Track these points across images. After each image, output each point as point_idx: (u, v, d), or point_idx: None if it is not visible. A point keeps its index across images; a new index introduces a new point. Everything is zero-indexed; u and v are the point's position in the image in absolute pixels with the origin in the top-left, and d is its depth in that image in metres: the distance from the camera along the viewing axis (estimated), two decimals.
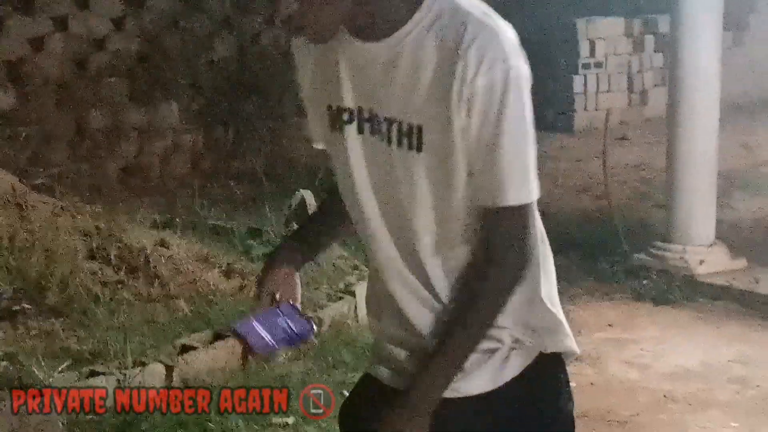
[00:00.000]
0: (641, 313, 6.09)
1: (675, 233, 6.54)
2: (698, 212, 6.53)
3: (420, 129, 1.81)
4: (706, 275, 6.36)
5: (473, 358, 1.87)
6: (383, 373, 2.02)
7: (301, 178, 8.07)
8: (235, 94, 9.94)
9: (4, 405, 3.85)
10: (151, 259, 5.53)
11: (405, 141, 1.83)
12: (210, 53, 10.14)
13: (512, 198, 1.81)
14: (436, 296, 1.91)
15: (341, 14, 1.82)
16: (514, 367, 1.91)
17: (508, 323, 1.89)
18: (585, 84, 12.12)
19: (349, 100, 1.90)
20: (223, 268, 5.75)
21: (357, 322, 5.26)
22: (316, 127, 2.04)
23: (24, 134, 8.21)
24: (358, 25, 1.85)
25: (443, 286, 1.90)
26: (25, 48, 8.96)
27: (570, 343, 1.98)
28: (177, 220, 6.76)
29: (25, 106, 8.82)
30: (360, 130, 1.89)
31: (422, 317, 1.92)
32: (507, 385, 1.90)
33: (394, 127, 1.84)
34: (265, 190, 8.28)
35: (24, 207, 5.82)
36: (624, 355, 5.44)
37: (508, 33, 1.79)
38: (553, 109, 11.39)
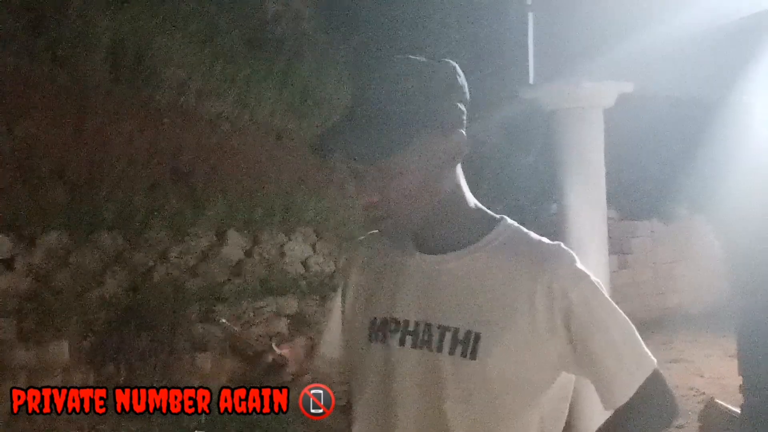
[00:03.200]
0: None
1: None
2: None
3: (478, 337, 1.87)
4: None
5: None
6: None
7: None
8: (128, 329, 9.80)
9: None
10: None
11: (459, 348, 1.88)
12: (102, 289, 10.05)
13: (638, 379, 1.91)
14: None
15: (421, 212, 1.91)
16: None
17: None
18: None
19: (399, 311, 1.97)
20: None
21: None
22: (339, 340, 2.13)
23: None
24: (429, 238, 1.96)
25: None
26: None
27: None
28: None
29: None
30: (402, 342, 1.95)
31: None
32: None
33: (448, 335, 1.89)
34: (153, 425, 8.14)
35: None
36: None
37: (574, 255, 1.94)
38: None
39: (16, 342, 9.26)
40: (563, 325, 1.85)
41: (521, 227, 1.98)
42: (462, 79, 1.97)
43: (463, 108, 1.94)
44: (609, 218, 7.00)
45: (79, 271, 9.92)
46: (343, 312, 2.15)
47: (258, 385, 1.73)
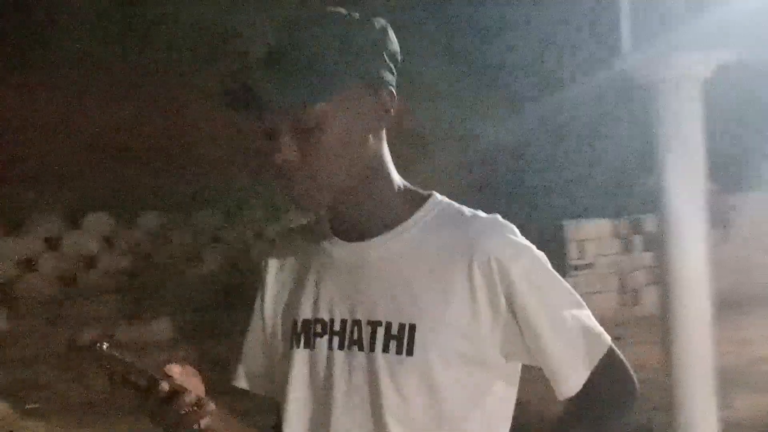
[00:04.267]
0: None
1: None
2: (698, 413, 6.41)
3: (413, 329, 1.66)
4: None
5: None
6: None
7: None
8: (227, 306, 9.94)
9: None
10: None
11: (393, 344, 1.68)
12: (201, 266, 10.22)
13: (593, 361, 1.70)
14: None
15: (341, 178, 1.69)
16: None
17: None
18: (575, 286, 12.17)
19: (323, 310, 1.76)
20: None
21: None
22: (260, 352, 1.87)
23: (14, 356, 8.14)
24: (350, 221, 1.75)
25: None
26: (14, 269, 9.00)
27: None
28: None
29: (15, 326, 8.78)
30: (330, 345, 1.73)
31: None
32: None
33: (380, 331, 1.69)
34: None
35: None
36: None
37: (513, 227, 1.73)
38: None
39: (118, 319, 9.48)
40: (506, 305, 1.64)
41: (453, 203, 1.76)
42: (393, 40, 1.76)
43: (392, 68, 1.75)
44: (710, 191, 6.81)
45: (178, 250, 10.11)
46: (262, 320, 1.87)
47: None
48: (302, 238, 1.86)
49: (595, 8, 12.32)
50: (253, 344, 1.89)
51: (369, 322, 1.70)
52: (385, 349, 1.68)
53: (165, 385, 1.57)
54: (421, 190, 1.77)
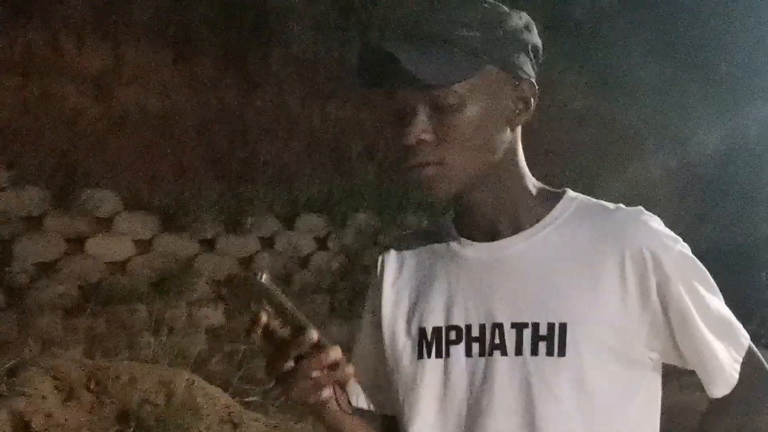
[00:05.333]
0: None
1: None
2: None
3: (564, 328, 1.57)
4: None
5: None
6: None
7: None
8: None
9: None
10: None
11: (542, 346, 1.58)
12: None
13: (739, 360, 1.65)
14: None
15: (476, 168, 1.60)
16: None
17: None
18: None
19: (457, 316, 1.65)
20: None
21: None
22: (372, 367, 1.76)
23: (234, 350, 8.43)
24: (482, 220, 1.66)
25: None
26: (235, 266, 9.33)
27: None
28: None
29: (233, 321, 9.09)
30: (468, 352, 1.63)
31: None
32: None
33: (526, 333, 1.59)
34: None
35: (238, 425, 5.92)
36: None
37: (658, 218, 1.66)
38: (754, 323, 11.06)
39: (328, 318, 9.68)
40: (658, 298, 1.57)
41: (589, 198, 1.69)
42: (537, 36, 1.69)
43: (534, 62, 1.67)
44: None
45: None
46: (378, 330, 1.77)
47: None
48: (422, 242, 1.77)
49: None
50: (366, 358, 1.80)
51: (513, 325, 1.60)
52: (534, 352, 1.59)
53: (314, 334, 1.48)
54: (552, 189, 1.71)
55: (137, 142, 8.33)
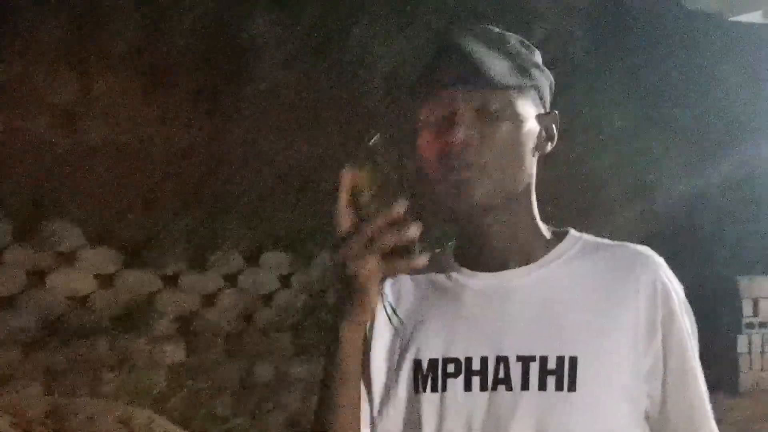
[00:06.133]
0: None
1: None
2: None
3: (574, 362, 1.52)
4: None
5: None
6: None
7: None
8: None
9: None
10: None
11: (551, 380, 1.52)
12: None
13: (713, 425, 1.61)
14: None
15: (508, 186, 1.59)
16: None
17: None
18: (749, 344, 11.82)
19: (457, 348, 1.60)
20: None
21: None
22: (375, 397, 1.66)
23: (195, 388, 8.36)
24: (487, 249, 1.63)
25: None
26: (197, 302, 9.25)
27: None
28: None
29: (194, 358, 9.01)
30: (467, 386, 1.57)
31: None
32: None
33: (533, 367, 1.54)
34: None
35: None
36: None
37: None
38: (716, 369, 11.12)
39: (293, 356, 9.62)
40: (662, 332, 1.55)
41: (593, 236, 1.69)
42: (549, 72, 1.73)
43: (551, 99, 1.72)
44: None
45: None
46: (369, 364, 1.67)
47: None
48: (421, 271, 1.71)
49: None
50: (373, 382, 1.71)
51: (519, 358, 1.55)
52: (542, 387, 1.53)
53: (404, 204, 1.40)
54: (557, 229, 1.72)
55: (105, 175, 8.23)
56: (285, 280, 9.91)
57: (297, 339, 9.71)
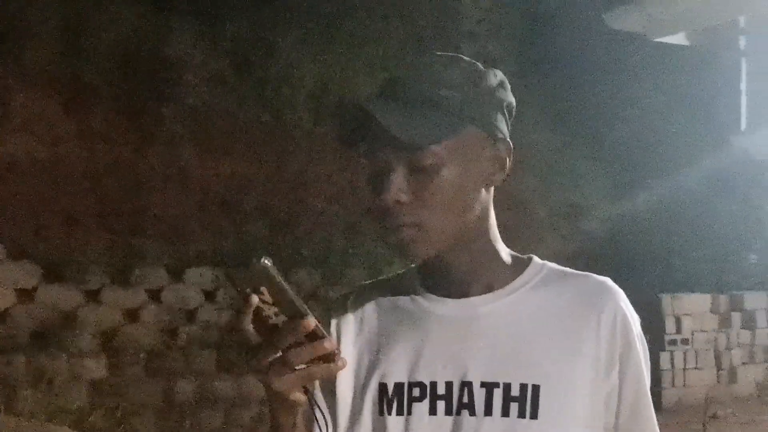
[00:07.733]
0: None
1: None
2: None
3: (537, 390, 1.54)
4: None
5: None
6: None
7: None
8: None
9: None
10: None
11: (514, 407, 1.54)
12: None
13: None
14: None
15: (452, 229, 1.58)
16: None
17: None
18: (672, 360, 12.00)
19: (422, 372, 1.59)
20: None
21: None
22: (341, 420, 1.64)
23: (116, 405, 8.29)
24: (450, 277, 1.63)
25: None
26: (119, 319, 9.18)
27: None
28: None
29: (115, 375, 8.94)
30: (432, 410, 1.56)
31: None
32: None
33: (497, 393, 1.54)
34: None
35: None
36: None
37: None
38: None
39: (216, 373, 9.57)
40: (620, 364, 1.58)
41: (556, 264, 1.68)
42: (509, 92, 1.68)
43: (508, 122, 1.67)
44: None
45: None
46: (332, 389, 1.66)
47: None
48: (384, 294, 1.70)
49: (715, 87, 12.26)
50: (336, 400, 1.67)
51: (483, 384, 1.56)
52: (505, 413, 1.54)
53: (311, 322, 1.37)
54: (518, 254, 1.70)
55: (24, 190, 8.16)
56: (210, 296, 9.86)
57: (219, 355, 9.65)
